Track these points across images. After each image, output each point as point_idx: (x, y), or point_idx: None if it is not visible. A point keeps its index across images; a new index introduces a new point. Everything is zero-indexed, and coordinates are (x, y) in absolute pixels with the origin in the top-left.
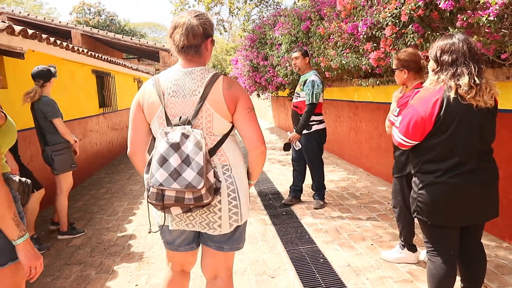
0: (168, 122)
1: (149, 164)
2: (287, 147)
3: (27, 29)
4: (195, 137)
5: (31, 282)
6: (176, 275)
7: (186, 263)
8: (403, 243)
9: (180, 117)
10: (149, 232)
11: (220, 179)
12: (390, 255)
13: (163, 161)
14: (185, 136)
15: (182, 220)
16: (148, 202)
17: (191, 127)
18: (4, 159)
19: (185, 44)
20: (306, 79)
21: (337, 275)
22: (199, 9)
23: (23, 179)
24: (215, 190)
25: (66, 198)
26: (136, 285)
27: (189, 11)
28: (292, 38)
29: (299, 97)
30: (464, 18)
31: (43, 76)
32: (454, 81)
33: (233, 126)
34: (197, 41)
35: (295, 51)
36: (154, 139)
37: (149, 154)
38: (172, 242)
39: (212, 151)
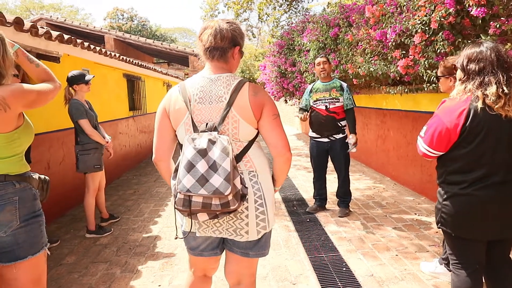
0: (195, 129)
1: (176, 170)
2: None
3: (63, 34)
4: (221, 143)
5: (59, 278)
6: (198, 280)
7: (208, 269)
8: (443, 257)
9: (207, 124)
10: (176, 238)
11: (246, 186)
12: (426, 267)
13: (190, 167)
14: (212, 142)
15: (209, 227)
16: (175, 208)
17: (218, 133)
18: (23, 159)
19: (211, 45)
20: (339, 85)
21: (360, 285)
22: (228, 15)
23: (42, 176)
24: (241, 197)
25: (94, 198)
26: (159, 286)
27: (221, 18)
28: (320, 44)
29: (338, 102)
30: (497, 25)
31: (69, 80)
32: (482, 91)
33: (258, 133)
34: (224, 44)
35: (321, 56)
36: (179, 145)
37: (174, 161)
38: (196, 248)
39: (238, 157)
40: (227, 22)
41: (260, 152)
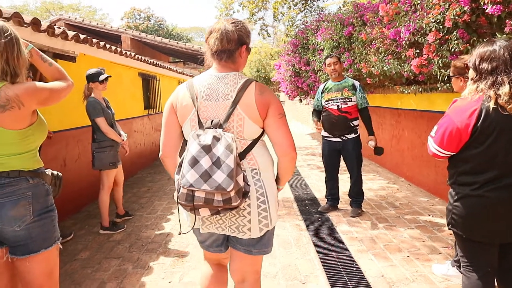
0: (200, 125)
1: (180, 165)
2: (380, 150)
3: (79, 34)
4: (226, 140)
5: (73, 273)
6: (214, 268)
7: (221, 259)
8: (455, 259)
9: (212, 120)
10: (180, 234)
11: (249, 183)
12: (438, 269)
13: (195, 162)
14: (216, 139)
15: (212, 224)
16: (178, 203)
17: (223, 131)
18: (37, 155)
19: (219, 49)
20: (351, 83)
21: (370, 286)
22: (243, 14)
23: (55, 172)
24: (243, 194)
25: (108, 195)
26: (170, 282)
27: (226, 19)
28: (334, 43)
29: (350, 101)
30: None
31: (86, 78)
32: (494, 91)
33: (263, 132)
34: (231, 46)
35: (331, 56)
36: (185, 142)
37: (180, 157)
38: (204, 242)
39: (242, 155)
40: (232, 23)
41: (264, 151)
